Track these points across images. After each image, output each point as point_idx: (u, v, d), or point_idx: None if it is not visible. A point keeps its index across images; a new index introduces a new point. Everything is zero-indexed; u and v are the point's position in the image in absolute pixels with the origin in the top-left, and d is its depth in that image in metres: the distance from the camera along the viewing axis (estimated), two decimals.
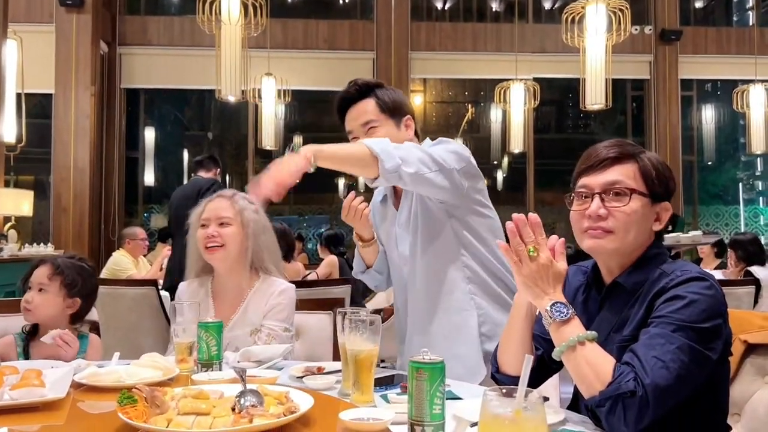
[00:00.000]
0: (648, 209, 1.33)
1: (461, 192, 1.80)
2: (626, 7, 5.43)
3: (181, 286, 2.15)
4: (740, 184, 10.51)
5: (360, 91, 1.91)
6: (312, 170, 1.53)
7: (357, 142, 1.64)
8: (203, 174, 4.55)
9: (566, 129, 10.75)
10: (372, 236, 1.99)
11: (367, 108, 1.89)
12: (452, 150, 1.78)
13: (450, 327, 1.87)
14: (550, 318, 1.25)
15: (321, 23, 8.15)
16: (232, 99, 5.36)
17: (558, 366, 1.52)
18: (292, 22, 8.10)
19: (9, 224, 6.14)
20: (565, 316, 1.24)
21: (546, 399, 1.41)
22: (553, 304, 1.25)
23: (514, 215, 1.30)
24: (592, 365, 1.20)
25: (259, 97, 6.89)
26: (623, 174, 1.32)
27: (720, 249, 5.29)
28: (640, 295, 1.30)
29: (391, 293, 2.13)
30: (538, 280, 1.27)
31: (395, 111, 1.91)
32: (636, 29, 8.07)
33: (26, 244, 6.48)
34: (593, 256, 1.41)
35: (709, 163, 9.54)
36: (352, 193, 1.81)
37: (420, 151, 1.68)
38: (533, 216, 1.29)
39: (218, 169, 4.63)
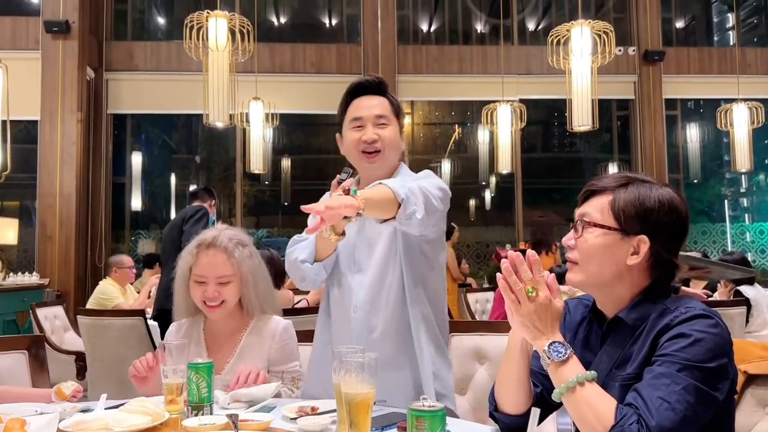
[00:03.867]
0: (615, 242, 1.31)
1: (440, 229, 1.83)
2: (610, 30, 5.49)
3: (172, 328, 2.12)
4: (726, 201, 10.60)
5: (380, 85, 1.93)
6: (354, 220, 1.48)
7: (381, 187, 1.59)
8: (197, 204, 4.52)
9: (553, 148, 10.83)
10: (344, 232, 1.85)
11: (383, 103, 1.91)
12: (441, 187, 1.79)
13: (406, 355, 1.82)
14: (548, 358, 1.23)
15: (308, 47, 8.18)
16: (219, 124, 5.33)
17: (559, 403, 1.49)
18: (280, 46, 8.12)
19: None
20: (564, 356, 1.22)
21: None
22: (550, 344, 1.23)
23: (510, 253, 1.28)
24: (592, 407, 1.18)
25: (247, 121, 6.87)
26: (593, 207, 1.35)
27: None
28: (643, 332, 1.28)
29: None
30: (536, 320, 1.25)
31: (399, 116, 1.94)
32: (620, 50, 8.16)
33: (11, 273, 6.38)
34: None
35: (695, 180, 9.63)
36: (350, 180, 1.62)
37: (421, 192, 1.65)
38: (532, 254, 1.27)
39: (213, 201, 4.60)
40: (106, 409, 1.61)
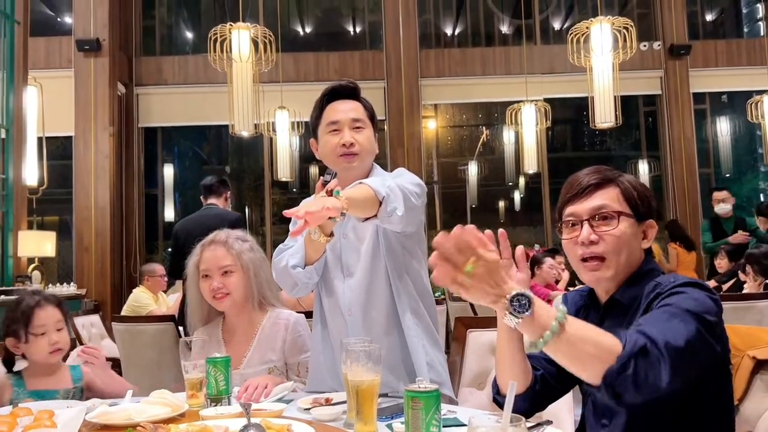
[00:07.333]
0: (635, 229, 1.36)
1: (419, 223, 1.87)
2: (631, 25, 5.46)
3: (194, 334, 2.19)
4: (762, 195, 10.36)
5: (354, 90, 1.98)
6: (339, 220, 1.51)
7: (362, 186, 1.63)
8: (215, 200, 4.41)
9: (582, 147, 10.75)
10: (332, 232, 1.74)
11: (358, 107, 1.95)
12: (417, 183, 1.82)
13: (402, 348, 1.88)
14: (515, 317, 1.05)
15: (332, 55, 8.29)
16: (245, 134, 5.45)
17: (564, 386, 1.51)
18: (303, 55, 8.25)
19: (33, 265, 6.27)
20: (527, 308, 1.05)
21: (549, 423, 1.42)
22: (510, 302, 1.05)
23: (436, 240, 1.05)
24: (589, 338, 1.07)
25: (274, 130, 7.01)
26: (607, 198, 1.36)
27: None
28: (637, 308, 1.31)
29: None
30: (486, 287, 1.06)
31: (373, 120, 1.99)
32: (645, 45, 8.08)
33: (50, 284, 6.60)
34: (594, 288, 1.43)
35: (727, 175, 9.44)
36: (334, 182, 1.59)
37: (399, 189, 1.69)
38: (458, 231, 1.05)
39: (228, 192, 4.51)
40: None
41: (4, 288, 5.12)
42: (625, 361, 1.05)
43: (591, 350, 1.07)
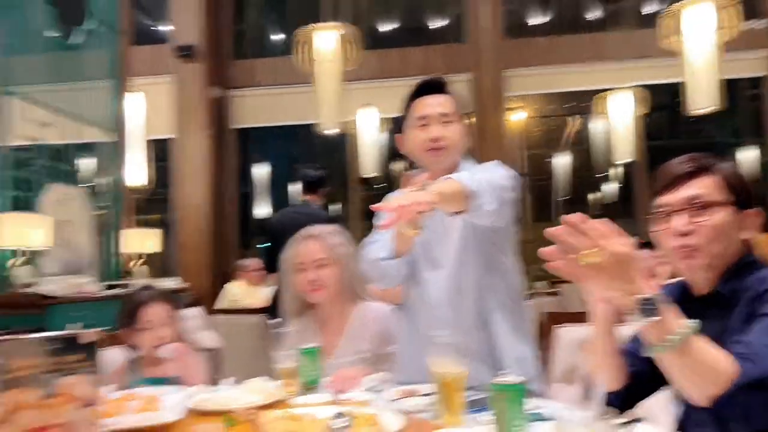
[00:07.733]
0: (733, 219, 1.30)
1: (510, 216, 1.85)
2: (732, 4, 5.13)
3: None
4: None
5: (444, 85, 1.99)
6: (429, 214, 1.51)
7: (451, 180, 1.63)
8: (312, 196, 4.44)
9: (679, 135, 10.21)
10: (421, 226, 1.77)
11: (447, 101, 1.95)
12: (508, 177, 1.80)
13: (490, 343, 1.87)
14: (642, 319, 1.04)
15: (416, 50, 8.30)
16: (331, 132, 5.58)
17: (657, 384, 1.46)
18: (387, 52, 8.30)
19: (140, 261, 6.69)
20: (654, 313, 1.03)
21: (640, 420, 1.38)
22: (640, 304, 1.03)
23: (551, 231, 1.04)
24: (707, 360, 1.04)
25: (359, 127, 7.12)
26: (702, 187, 1.30)
27: None
28: (740, 302, 1.25)
29: None
30: (612, 287, 1.05)
31: (463, 114, 1.99)
32: (749, 24, 7.58)
33: (154, 278, 7.01)
34: (686, 277, 1.37)
35: None
36: (423, 176, 1.60)
37: (489, 184, 1.68)
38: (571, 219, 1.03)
39: (326, 189, 4.57)
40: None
41: (111, 282, 5.48)
42: (737, 390, 1.03)
43: (705, 371, 1.04)
